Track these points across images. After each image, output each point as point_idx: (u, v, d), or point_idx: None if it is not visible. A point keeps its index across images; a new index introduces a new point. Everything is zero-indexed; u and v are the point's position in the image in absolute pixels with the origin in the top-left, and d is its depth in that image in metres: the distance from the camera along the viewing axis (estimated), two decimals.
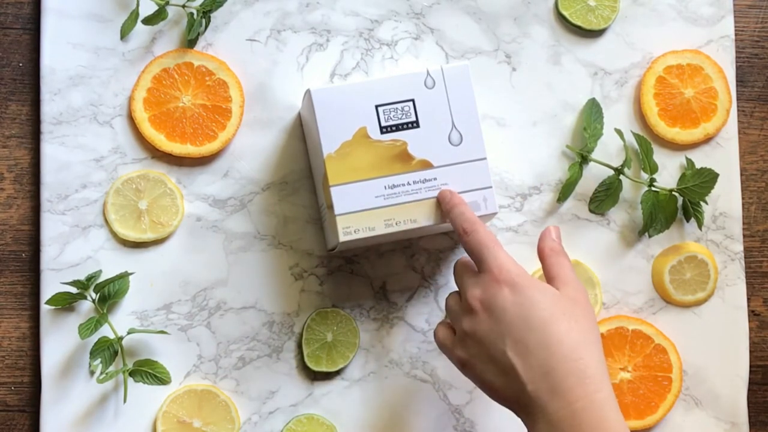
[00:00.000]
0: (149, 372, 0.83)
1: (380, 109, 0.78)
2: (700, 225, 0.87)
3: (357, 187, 0.77)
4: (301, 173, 0.87)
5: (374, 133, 0.78)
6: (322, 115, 0.77)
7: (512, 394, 0.70)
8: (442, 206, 0.77)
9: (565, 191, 0.87)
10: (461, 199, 0.77)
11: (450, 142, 0.78)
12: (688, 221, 0.88)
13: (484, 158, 0.78)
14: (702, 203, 0.86)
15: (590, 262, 0.87)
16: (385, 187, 0.77)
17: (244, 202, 0.86)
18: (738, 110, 0.90)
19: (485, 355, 0.71)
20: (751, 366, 0.88)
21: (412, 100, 0.78)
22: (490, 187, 0.78)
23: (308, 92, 0.79)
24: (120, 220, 0.85)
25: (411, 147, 0.78)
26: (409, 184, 0.78)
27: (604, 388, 0.68)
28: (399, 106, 0.78)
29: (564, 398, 0.67)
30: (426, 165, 0.78)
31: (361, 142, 0.77)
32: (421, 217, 0.78)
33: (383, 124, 0.77)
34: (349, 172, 0.77)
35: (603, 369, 0.69)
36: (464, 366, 0.73)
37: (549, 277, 0.74)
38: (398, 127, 0.78)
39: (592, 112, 0.87)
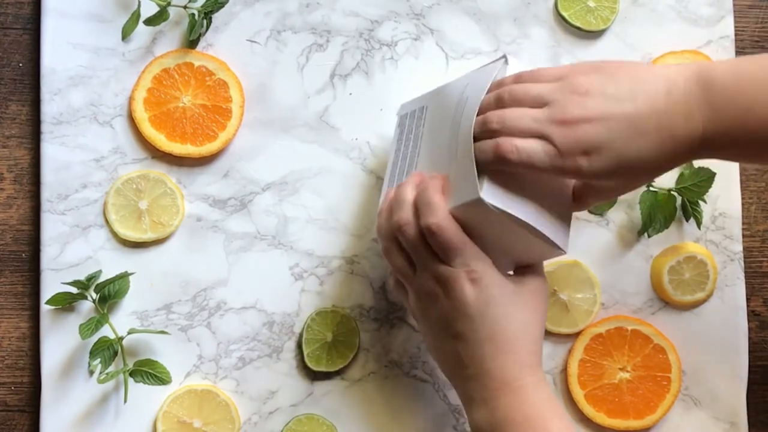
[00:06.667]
0: (149, 372, 0.83)
1: None
2: (699, 224, 0.87)
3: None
4: (301, 173, 0.87)
5: None
6: None
7: (449, 367, 0.75)
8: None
9: None
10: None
11: None
12: (687, 221, 0.88)
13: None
14: (701, 203, 0.86)
15: (589, 262, 0.87)
16: None
17: (244, 202, 0.86)
18: None
19: (432, 329, 0.74)
20: (750, 366, 0.88)
21: None
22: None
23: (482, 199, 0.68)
24: (120, 220, 0.85)
25: None
26: None
27: (526, 376, 0.71)
28: None
29: (492, 384, 0.71)
30: None
31: None
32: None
33: None
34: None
35: (535, 359, 0.72)
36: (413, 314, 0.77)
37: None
38: None
39: None
